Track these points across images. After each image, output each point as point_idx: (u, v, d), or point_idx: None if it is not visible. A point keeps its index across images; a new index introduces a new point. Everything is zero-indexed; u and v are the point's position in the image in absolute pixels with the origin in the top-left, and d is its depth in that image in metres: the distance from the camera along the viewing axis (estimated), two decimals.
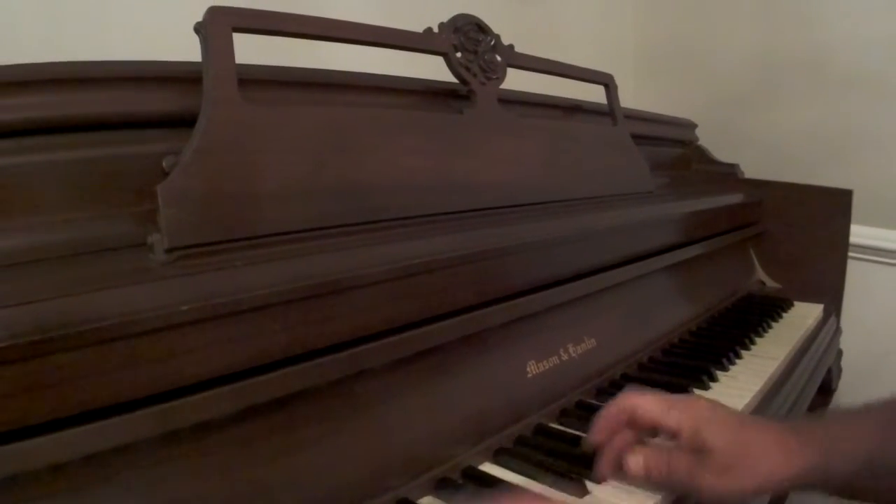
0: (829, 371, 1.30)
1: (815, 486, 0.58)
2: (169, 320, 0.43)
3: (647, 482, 0.60)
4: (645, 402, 0.61)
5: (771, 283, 1.51)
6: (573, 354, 0.83)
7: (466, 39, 0.85)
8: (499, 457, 0.69)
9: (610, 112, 1.16)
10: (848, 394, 1.46)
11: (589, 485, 0.62)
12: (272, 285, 0.48)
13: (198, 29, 0.60)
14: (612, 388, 0.86)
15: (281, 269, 0.50)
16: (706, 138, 1.75)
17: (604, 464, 0.62)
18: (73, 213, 0.57)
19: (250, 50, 0.66)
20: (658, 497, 0.61)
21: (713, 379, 0.91)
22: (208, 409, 0.46)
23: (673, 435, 0.60)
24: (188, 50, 0.62)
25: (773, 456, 0.57)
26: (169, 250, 0.52)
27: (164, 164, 0.56)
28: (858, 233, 1.50)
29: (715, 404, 0.62)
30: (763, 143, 1.75)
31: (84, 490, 0.42)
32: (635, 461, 0.59)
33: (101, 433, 0.41)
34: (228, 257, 0.51)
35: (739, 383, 0.91)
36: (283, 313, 0.49)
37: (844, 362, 1.46)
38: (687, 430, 0.58)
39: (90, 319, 0.40)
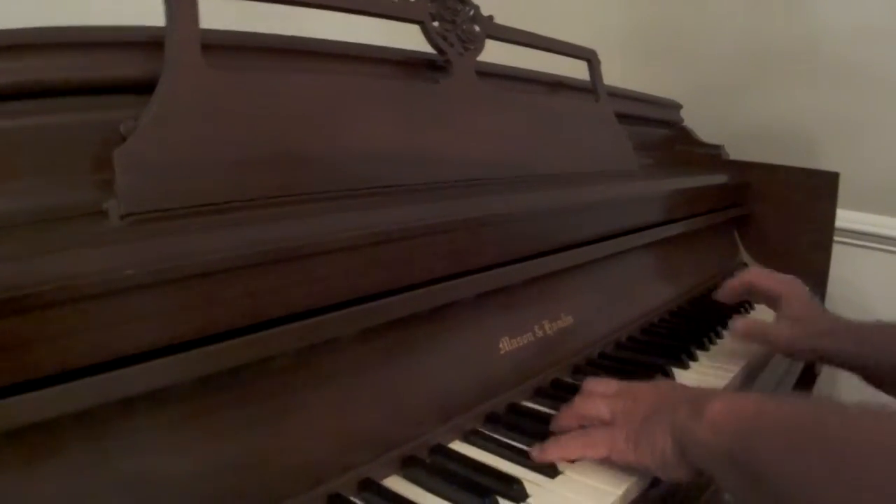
0: None
1: (839, 357, 0.84)
2: (114, 285, 0.41)
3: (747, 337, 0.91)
4: (760, 278, 0.98)
5: (755, 266, 1.50)
6: (549, 331, 0.81)
7: (444, 9, 0.83)
8: (469, 435, 0.67)
9: (592, 88, 1.14)
10: (830, 379, 1.45)
11: (560, 465, 0.61)
12: (224, 250, 0.46)
13: None
14: (588, 367, 0.85)
15: (236, 235, 0.48)
16: (693, 122, 1.73)
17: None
18: (30, 180, 0.55)
19: (228, 18, 0.64)
20: (626, 484, 0.60)
21: (693, 358, 0.91)
22: (160, 378, 0.44)
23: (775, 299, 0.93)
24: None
25: (824, 326, 0.85)
26: (124, 216, 0.50)
27: (121, 129, 0.54)
28: (845, 217, 1.49)
29: (803, 289, 0.94)
30: (750, 128, 1.74)
31: (33, 462, 0.41)
32: (741, 322, 0.91)
33: (46, 401, 0.39)
34: (184, 223, 0.49)
35: (719, 363, 0.91)
36: (236, 279, 0.47)
37: None
38: (784, 297, 0.91)
39: (31, 283, 0.38)
